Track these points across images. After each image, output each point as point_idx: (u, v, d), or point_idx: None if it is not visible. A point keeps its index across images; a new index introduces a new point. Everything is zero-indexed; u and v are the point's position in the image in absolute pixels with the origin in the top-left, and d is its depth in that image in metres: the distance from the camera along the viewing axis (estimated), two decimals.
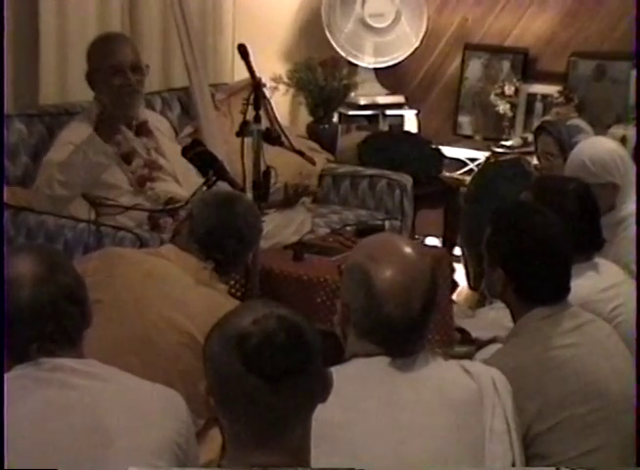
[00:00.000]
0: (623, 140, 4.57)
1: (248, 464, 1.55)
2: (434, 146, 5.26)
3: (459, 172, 5.33)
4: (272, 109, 3.34)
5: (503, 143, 5.25)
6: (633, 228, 3.29)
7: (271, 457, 1.56)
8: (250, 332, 1.56)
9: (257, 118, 3.21)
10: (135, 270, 2.76)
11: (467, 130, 5.71)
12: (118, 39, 4.03)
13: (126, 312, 2.67)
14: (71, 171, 3.66)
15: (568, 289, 2.47)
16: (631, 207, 3.43)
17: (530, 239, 2.45)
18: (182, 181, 3.97)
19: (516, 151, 5.07)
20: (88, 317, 1.98)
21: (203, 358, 1.62)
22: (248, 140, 3.24)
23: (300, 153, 3.48)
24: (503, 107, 5.41)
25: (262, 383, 1.54)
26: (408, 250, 2.05)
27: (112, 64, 3.85)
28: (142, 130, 4.03)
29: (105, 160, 3.71)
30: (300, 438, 1.60)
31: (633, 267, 3.13)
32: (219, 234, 2.82)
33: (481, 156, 5.23)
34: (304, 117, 5.50)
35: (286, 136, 3.35)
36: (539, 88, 5.45)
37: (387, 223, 4.52)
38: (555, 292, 2.46)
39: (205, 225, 2.82)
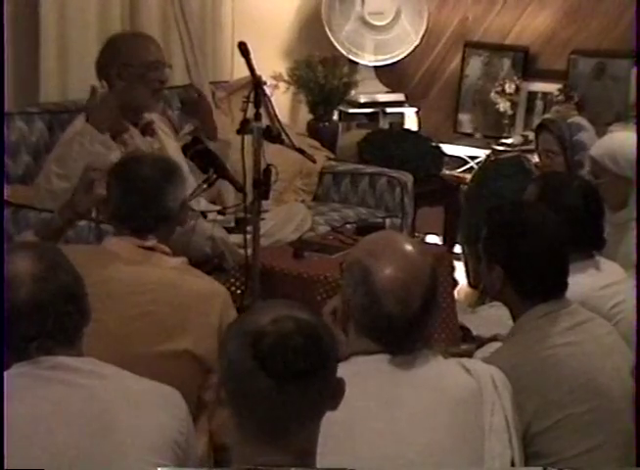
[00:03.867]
0: None
1: (254, 463, 1.56)
2: (434, 144, 5.27)
3: (459, 170, 5.33)
4: (272, 107, 3.33)
5: (503, 141, 5.25)
6: None
7: (275, 457, 1.57)
8: (266, 331, 1.57)
9: (258, 116, 3.21)
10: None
11: (467, 128, 5.71)
12: (150, 38, 4.06)
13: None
14: (69, 163, 3.60)
15: (565, 285, 2.47)
16: None
17: (526, 236, 2.45)
18: None
19: (516, 149, 5.07)
20: (87, 315, 1.98)
21: (218, 352, 1.65)
22: (248, 138, 3.23)
23: (301, 151, 3.48)
24: (503, 105, 5.42)
25: (271, 382, 1.55)
26: (409, 247, 2.06)
27: (150, 60, 3.85)
28: (147, 130, 4.02)
29: (102, 149, 3.66)
30: (306, 440, 1.61)
31: None
32: (128, 204, 2.63)
33: (482, 154, 5.23)
34: (305, 115, 5.51)
35: (286, 134, 3.34)
36: (540, 86, 5.45)
37: (387, 221, 4.53)
38: (553, 288, 2.46)
39: (114, 204, 2.66)
